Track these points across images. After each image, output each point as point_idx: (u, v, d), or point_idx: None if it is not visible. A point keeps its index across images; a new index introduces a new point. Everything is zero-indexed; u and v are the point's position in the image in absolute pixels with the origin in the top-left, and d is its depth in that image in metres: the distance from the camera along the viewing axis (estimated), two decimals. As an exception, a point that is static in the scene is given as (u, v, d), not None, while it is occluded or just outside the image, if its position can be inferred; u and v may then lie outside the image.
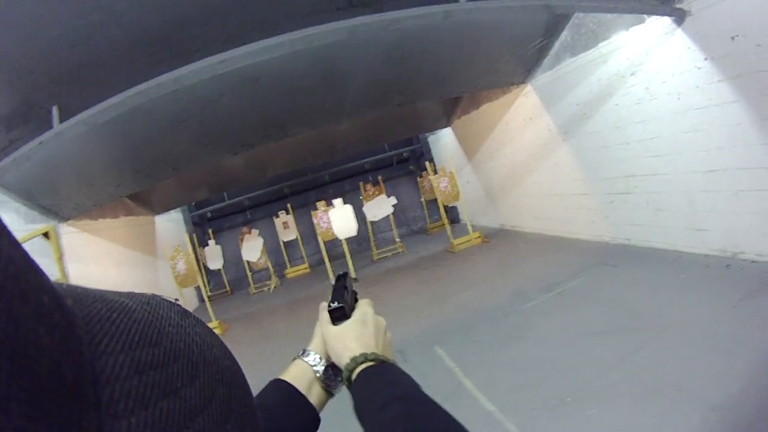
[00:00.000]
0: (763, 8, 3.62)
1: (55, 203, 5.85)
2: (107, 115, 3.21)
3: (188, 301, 9.04)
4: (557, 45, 5.88)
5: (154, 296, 0.35)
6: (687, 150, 4.64)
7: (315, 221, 8.70)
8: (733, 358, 3.00)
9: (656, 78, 4.70)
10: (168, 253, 8.23)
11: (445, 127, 10.13)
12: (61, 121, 3.38)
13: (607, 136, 5.53)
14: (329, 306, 0.77)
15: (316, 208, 8.96)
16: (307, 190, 11.77)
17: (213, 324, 7.64)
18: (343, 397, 0.73)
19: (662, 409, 2.77)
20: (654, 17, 4.48)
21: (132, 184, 6.63)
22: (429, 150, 11.65)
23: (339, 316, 0.77)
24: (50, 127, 3.42)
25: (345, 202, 8.35)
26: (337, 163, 11.32)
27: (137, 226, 9.04)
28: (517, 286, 5.61)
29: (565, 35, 5.70)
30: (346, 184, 11.71)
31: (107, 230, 7.76)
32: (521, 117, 7.19)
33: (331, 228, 8.30)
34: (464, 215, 9.00)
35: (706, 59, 4.20)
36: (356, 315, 0.78)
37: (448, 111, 9.41)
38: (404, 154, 12.05)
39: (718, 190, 4.48)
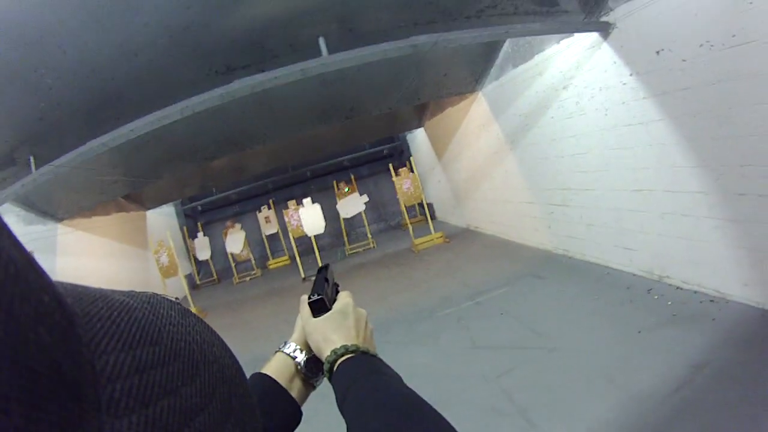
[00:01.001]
0: (688, 20, 3.07)
1: (51, 207, 5.96)
2: (72, 163, 3.63)
3: (175, 290, 8.83)
4: (501, 56, 5.36)
5: (154, 295, 0.32)
6: (614, 167, 4.14)
7: (286, 219, 8.37)
8: (603, 396, 2.61)
9: (585, 92, 4.18)
10: (152, 247, 8.02)
11: (418, 127, 9.61)
12: (37, 167, 3.91)
13: (546, 148, 5.03)
14: (309, 298, 0.70)
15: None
16: (290, 185, 11.36)
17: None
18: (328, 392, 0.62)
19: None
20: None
21: (113, 192, 6.64)
22: (408, 147, 11.15)
23: (319, 308, 0.70)
24: (30, 171, 3.96)
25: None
26: (319, 160, 10.89)
27: (129, 221, 8.83)
28: (449, 290, 5.24)
29: (506, 46, 5.18)
30: (328, 179, 11.23)
31: (100, 227, 7.63)
32: (476, 123, 6.67)
33: (301, 225, 7.96)
34: (428, 213, 8.54)
35: (631, 74, 3.68)
36: (337, 306, 0.70)
37: (420, 113, 8.90)
38: (384, 152, 11.55)
39: (645, 210, 3.98)
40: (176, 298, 0.34)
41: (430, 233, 7.98)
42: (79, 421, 0.20)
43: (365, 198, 8.81)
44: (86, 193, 6.21)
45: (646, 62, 3.51)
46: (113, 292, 0.28)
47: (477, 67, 5.59)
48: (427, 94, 6.04)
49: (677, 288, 3.80)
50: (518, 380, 3.00)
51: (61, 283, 0.25)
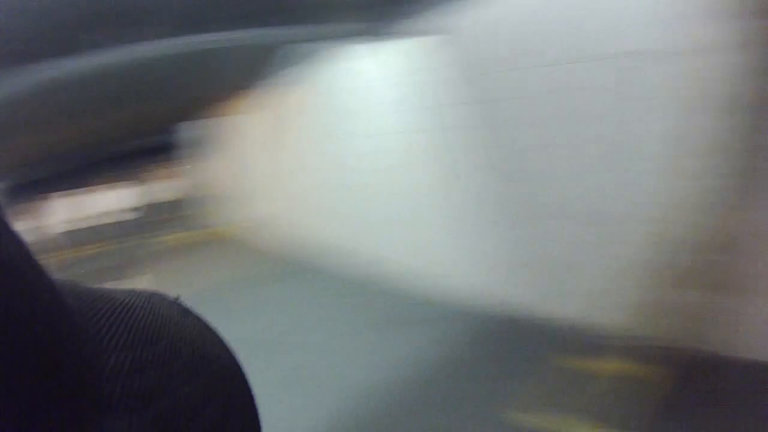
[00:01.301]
0: (513, 35, 3.41)
1: None
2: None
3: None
4: (318, 51, 5.16)
5: (155, 294, 0.32)
6: (400, 168, 4.48)
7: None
8: (323, 391, 2.71)
9: (395, 93, 4.45)
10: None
11: (218, 116, 8.71)
12: None
13: (354, 145, 5.14)
14: None
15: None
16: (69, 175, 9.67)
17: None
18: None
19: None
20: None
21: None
22: (203, 138, 9.82)
23: None
24: None
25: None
26: (100, 150, 9.26)
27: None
28: (197, 285, 5.20)
29: (326, 42, 4.97)
30: (109, 168, 9.48)
31: None
32: (284, 117, 6.55)
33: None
34: (186, 210, 8.35)
35: (444, 80, 3.96)
36: None
37: (223, 103, 8.16)
38: (173, 141, 10.04)
39: (417, 211, 4.36)
40: (177, 297, 0.33)
41: (206, 228, 7.85)
42: (78, 421, 0.19)
43: (130, 192, 8.35)
44: None
45: (464, 70, 3.79)
46: (113, 290, 0.28)
47: (290, 61, 5.36)
48: (233, 85, 5.88)
49: (429, 288, 4.11)
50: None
51: (62, 282, 0.24)
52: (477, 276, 3.85)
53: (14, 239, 0.20)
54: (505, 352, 3.06)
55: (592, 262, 3.12)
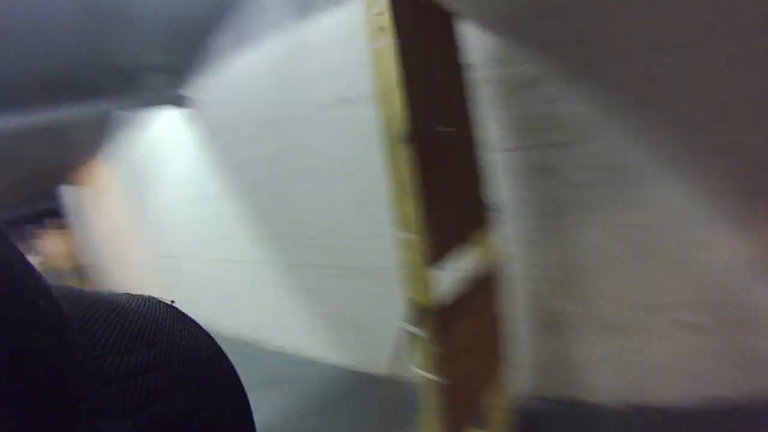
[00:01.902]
0: (255, 100, 3.62)
1: None
2: None
3: None
4: (121, 120, 5.36)
5: (150, 297, 0.30)
6: (203, 237, 4.63)
7: None
8: None
9: (178, 162, 4.70)
10: None
11: (76, 184, 8.61)
12: None
13: (157, 215, 5.39)
14: None
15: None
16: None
17: None
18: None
19: None
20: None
21: None
22: (66, 205, 9.32)
23: None
24: None
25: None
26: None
27: None
28: None
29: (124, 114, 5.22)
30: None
31: None
32: (108, 183, 6.69)
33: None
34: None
35: (208, 149, 4.21)
36: None
37: (77, 170, 8.02)
38: (41, 209, 9.40)
39: (236, 279, 4.46)
40: (172, 301, 0.32)
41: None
42: (74, 426, 0.19)
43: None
44: None
45: (221, 138, 4.01)
46: (110, 294, 0.28)
47: (103, 133, 5.65)
48: (72, 155, 6.00)
49: (272, 352, 4.04)
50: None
51: (58, 287, 0.24)
52: (309, 335, 3.80)
53: (9, 245, 0.20)
54: (360, 407, 2.92)
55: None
